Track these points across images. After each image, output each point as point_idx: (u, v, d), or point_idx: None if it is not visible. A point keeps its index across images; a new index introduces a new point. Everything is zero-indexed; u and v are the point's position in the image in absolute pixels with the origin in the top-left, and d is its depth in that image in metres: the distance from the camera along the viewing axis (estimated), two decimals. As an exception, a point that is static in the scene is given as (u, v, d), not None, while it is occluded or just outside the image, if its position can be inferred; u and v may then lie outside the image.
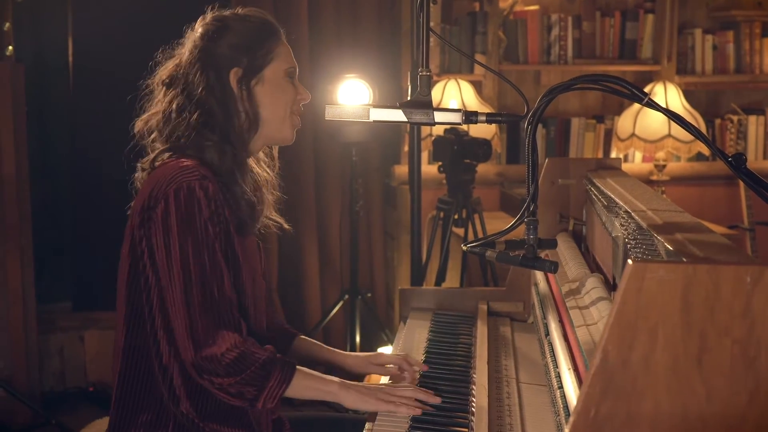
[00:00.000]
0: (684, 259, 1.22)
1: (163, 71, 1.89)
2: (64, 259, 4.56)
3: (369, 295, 4.31)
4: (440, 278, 3.51)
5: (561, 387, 1.60)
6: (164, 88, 1.87)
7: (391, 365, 1.96)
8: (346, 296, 4.07)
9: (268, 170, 2.02)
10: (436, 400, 1.74)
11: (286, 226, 2.04)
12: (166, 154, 1.83)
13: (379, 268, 4.51)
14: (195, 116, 1.81)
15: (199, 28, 1.89)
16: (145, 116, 1.90)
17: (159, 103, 1.88)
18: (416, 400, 1.73)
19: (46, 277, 4.43)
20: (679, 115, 1.58)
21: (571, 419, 1.08)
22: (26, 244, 3.84)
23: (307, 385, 1.75)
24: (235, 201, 1.80)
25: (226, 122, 1.83)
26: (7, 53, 3.98)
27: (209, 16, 1.90)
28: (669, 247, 1.31)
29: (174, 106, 1.83)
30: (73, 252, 4.49)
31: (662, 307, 1.04)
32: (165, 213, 1.71)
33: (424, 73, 1.74)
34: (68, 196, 4.48)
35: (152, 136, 1.87)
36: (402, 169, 4.27)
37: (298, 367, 1.76)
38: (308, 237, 4.29)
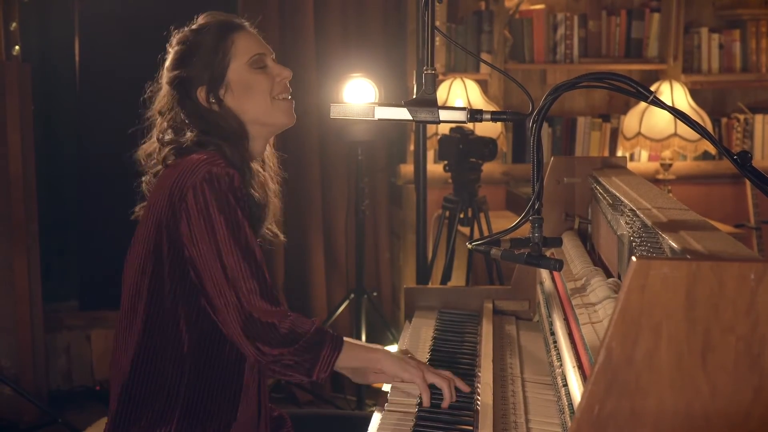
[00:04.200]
0: (688, 257, 1.22)
1: (157, 103, 1.93)
2: (70, 259, 4.57)
3: (375, 294, 4.31)
4: (446, 277, 3.51)
5: (566, 385, 1.60)
6: (159, 117, 1.92)
7: None
8: (352, 295, 4.07)
9: (274, 178, 2.04)
10: (466, 389, 1.76)
11: (281, 237, 2.05)
12: (175, 155, 1.85)
13: (385, 267, 4.51)
14: (189, 138, 1.84)
15: (167, 57, 1.92)
16: (145, 145, 1.93)
17: (155, 131, 1.92)
18: (449, 388, 1.74)
19: (53, 276, 4.44)
20: (684, 113, 1.58)
21: (575, 416, 1.09)
22: (33, 243, 3.86)
23: (354, 354, 1.78)
24: (248, 199, 1.82)
25: (220, 136, 1.85)
26: (14, 53, 4.00)
27: (173, 40, 1.93)
28: (674, 244, 1.31)
29: (167, 136, 1.87)
30: (80, 251, 4.50)
31: (666, 304, 1.04)
32: (196, 200, 1.72)
33: (429, 71, 1.74)
34: (75, 195, 4.50)
35: (152, 162, 1.91)
36: (408, 168, 4.28)
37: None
38: (314, 236, 4.29)
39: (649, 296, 1.04)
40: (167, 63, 1.92)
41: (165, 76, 1.91)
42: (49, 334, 4.07)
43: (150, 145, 1.92)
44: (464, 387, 1.76)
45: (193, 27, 1.93)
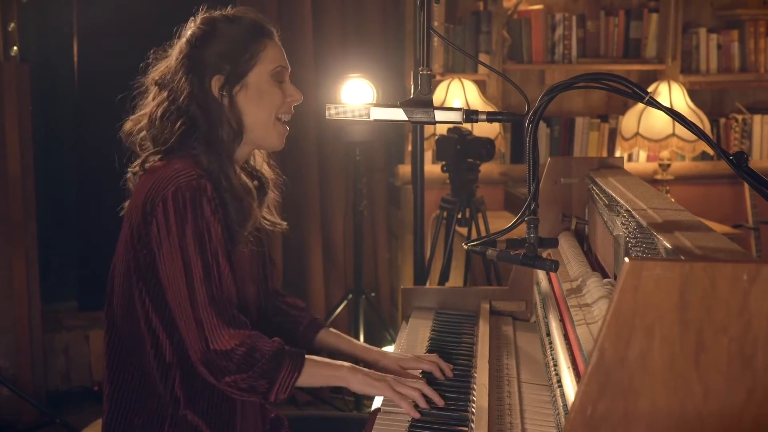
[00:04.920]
0: (682, 257, 1.22)
1: (156, 71, 1.89)
2: (69, 259, 4.57)
3: (373, 294, 4.31)
4: (444, 278, 3.51)
5: (561, 386, 1.60)
6: (156, 89, 1.87)
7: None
8: (350, 295, 4.07)
9: (269, 169, 2.02)
10: (440, 403, 1.73)
11: (283, 225, 2.03)
12: (157, 157, 1.83)
13: (384, 268, 4.51)
14: (179, 123, 1.81)
15: (188, 31, 1.88)
16: (135, 116, 1.89)
17: (149, 104, 1.88)
18: (423, 396, 1.73)
19: (52, 276, 4.44)
20: (679, 113, 1.58)
21: (568, 417, 1.09)
22: (31, 243, 3.86)
23: (318, 372, 1.76)
24: (224, 207, 1.79)
25: (209, 131, 1.82)
26: (12, 53, 4.00)
27: (199, 17, 1.89)
28: (668, 245, 1.31)
29: (160, 110, 1.83)
30: (79, 251, 4.50)
31: (659, 305, 1.04)
32: (165, 214, 1.71)
33: (425, 72, 1.74)
34: (73, 195, 4.50)
35: (141, 135, 1.87)
36: (406, 169, 4.27)
37: (307, 355, 1.76)
38: (312, 236, 4.29)
39: (642, 297, 1.05)
40: (186, 37, 1.87)
41: (179, 49, 1.86)
42: (47, 334, 4.07)
43: (141, 117, 1.87)
44: (437, 400, 1.73)
45: (226, 13, 1.89)
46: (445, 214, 3.56)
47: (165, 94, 1.84)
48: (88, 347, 4.21)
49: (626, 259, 1.05)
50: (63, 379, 4.18)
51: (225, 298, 1.73)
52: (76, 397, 4.12)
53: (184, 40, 1.87)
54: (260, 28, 1.89)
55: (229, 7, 1.93)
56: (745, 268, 1.03)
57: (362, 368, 1.79)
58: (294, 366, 1.72)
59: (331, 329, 2.10)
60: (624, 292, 1.05)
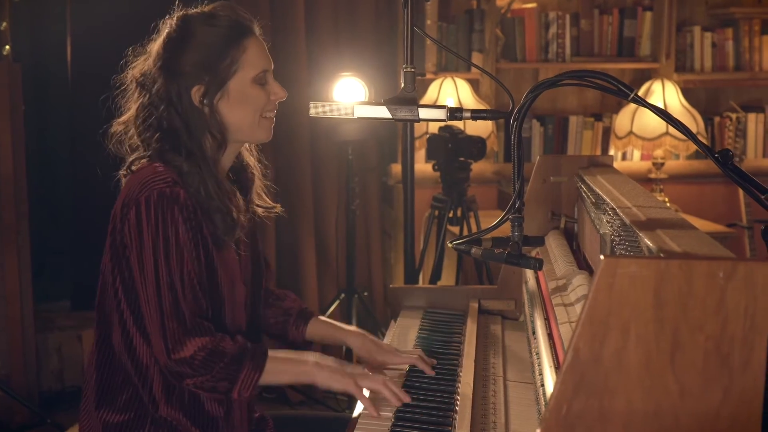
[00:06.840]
0: (661, 255, 1.21)
1: (135, 69, 1.84)
2: (62, 259, 4.57)
3: (366, 293, 4.30)
4: (435, 277, 3.50)
5: (543, 384, 1.59)
6: (138, 89, 1.83)
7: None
8: (343, 295, 4.06)
9: (251, 157, 1.99)
10: (406, 399, 1.72)
11: (277, 208, 2.01)
12: (144, 159, 1.81)
13: (377, 267, 4.50)
14: (160, 132, 1.78)
15: (165, 30, 1.82)
16: (121, 119, 1.86)
17: (133, 104, 1.85)
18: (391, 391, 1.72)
19: (45, 276, 4.43)
20: (664, 110, 1.57)
21: (543, 416, 1.08)
22: (24, 243, 3.85)
23: (282, 369, 1.76)
24: (207, 214, 1.77)
25: (191, 141, 1.78)
26: (5, 53, 3.99)
27: (175, 16, 1.82)
28: (650, 243, 1.30)
29: (141, 117, 1.81)
30: (72, 251, 4.50)
31: (634, 303, 1.04)
32: (137, 219, 1.70)
33: (409, 69, 1.73)
34: (67, 195, 4.49)
35: (129, 134, 1.85)
36: (399, 168, 4.26)
37: (270, 353, 1.75)
38: (305, 236, 4.28)
39: (618, 295, 1.04)
40: (163, 38, 1.80)
41: (157, 51, 1.80)
42: (40, 334, 4.06)
43: (127, 120, 1.85)
44: (404, 398, 1.72)
45: (203, 12, 1.82)
46: (436, 212, 3.55)
47: (146, 98, 1.81)
48: (81, 347, 4.19)
49: (601, 257, 1.04)
50: (56, 380, 4.17)
51: (190, 305, 1.72)
52: (69, 397, 4.11)
53: (161, 41, 1.81)
54: (239, 28, 1.81)
55: (206, 2, 1.86)
56: (721, 266, 1.03)
57: (328, 362, 1.78)
58: (255, 366, 1.72)
59: (321, 317, 2.09)
60: (599, 290, 1.04)
